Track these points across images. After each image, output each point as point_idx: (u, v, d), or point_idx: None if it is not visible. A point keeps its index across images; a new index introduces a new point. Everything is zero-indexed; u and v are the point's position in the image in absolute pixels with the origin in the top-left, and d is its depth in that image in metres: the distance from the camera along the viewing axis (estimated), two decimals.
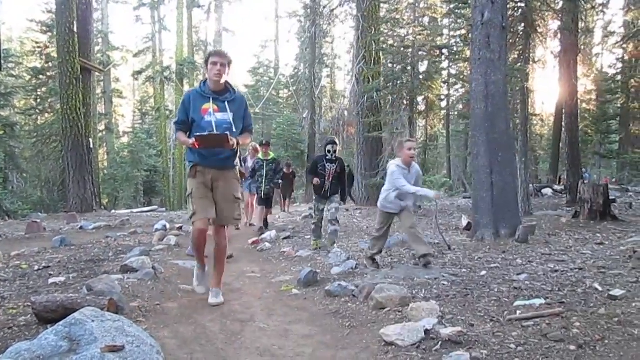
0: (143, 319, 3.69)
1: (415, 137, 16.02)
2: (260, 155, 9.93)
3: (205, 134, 4.06)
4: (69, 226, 11.40)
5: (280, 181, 10.26)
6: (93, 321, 2.74)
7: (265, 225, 10.18)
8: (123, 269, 5.29)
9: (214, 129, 4.17)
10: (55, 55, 19.31)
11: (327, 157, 7.23)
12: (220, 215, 4.30)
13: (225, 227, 4.43)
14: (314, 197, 7.52)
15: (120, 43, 37.77)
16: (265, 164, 9.80)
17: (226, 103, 4.30)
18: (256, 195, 10.25)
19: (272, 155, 10.08)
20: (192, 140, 4.08)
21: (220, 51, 4.52)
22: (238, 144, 4.26)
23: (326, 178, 7.20)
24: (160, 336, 3.35)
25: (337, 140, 7.56)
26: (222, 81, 4.32)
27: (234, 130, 4.26)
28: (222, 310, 4.15)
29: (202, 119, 4.21)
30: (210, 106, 4.25)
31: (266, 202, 10.05)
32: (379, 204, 6.00)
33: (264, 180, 9.75)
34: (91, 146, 17.79)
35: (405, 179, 5.60)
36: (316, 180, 7.16)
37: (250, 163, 10.59)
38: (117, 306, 3.59)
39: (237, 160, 4.54)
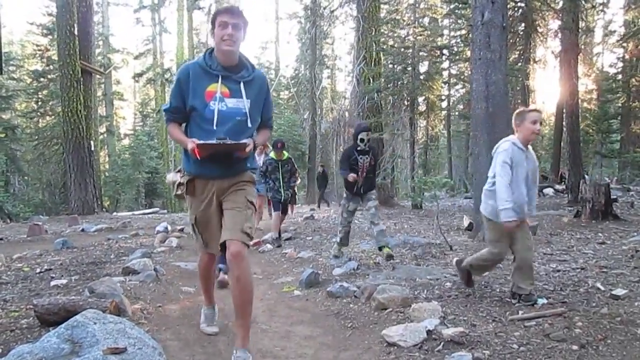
0: (145, 321, 3.69)
1: (415, 137, 16.03)
2: (272, 155, 8.60)
3: (213, 141, 2.85)
4: (71, 229, 11.42)
5: (296, 183, 9.02)
6: (95, 323, 2.74)
7: (277, 241, 8.56)
8: (125, 271, 5.30)
9: (215, 123, 2.95)
10: (56, 58, 19.39)
11: (359, 148, 6.04)
12: (226, 226, 3.02)
13: (244, 247, 2.97)
14: (345, 195, 6.32)
15: (121, 45, 37.85)
16: (280, 165, 8.50)
17: (242, 84, 3.02)
18: (270, 201, 8.75)
19: (286, 155, 8.73)
20: (191, 144, 2.86)
21: (231, 7, 3.11)
22: (255, 148, 3.13)
23: (359, 173, 6.04)
24: (162, 338, 3.35)
25: (369, 127, 6.37)
26: (236, 50, 3.02)
27: (249, 125, 3.05)
28: (224, 312, 4.15)
29: (207, 106, 2.95)
30: (218, 88, 2.97)
31: (284, 207, 8.78)
32: (485, 209, 4.11)
33: (281, 184, 8.46)
34: (92, 148, 17.82)
35: (522, 167, 3.91)
36: (352, 176, 5.95)
37: (258, 161, 9.32)
38: (119, 308, 3.59)
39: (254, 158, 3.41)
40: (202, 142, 2.85)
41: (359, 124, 6.57)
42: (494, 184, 3.93)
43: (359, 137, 6.01)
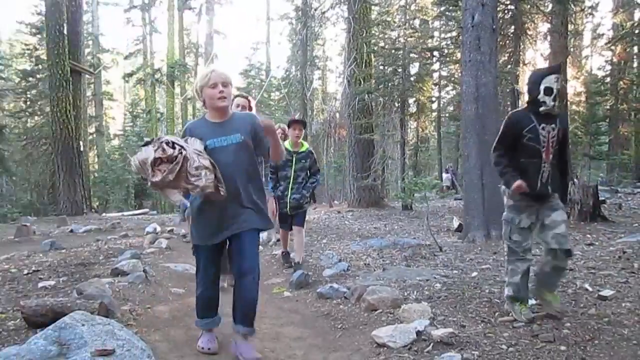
0: (134, 323, 3.67)
1: (406, 138, 16.08)
2: (287, 144, 5.91)
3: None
4: (59, 229, 11.32)
5: (314, 185, 6.15)
6: (83, 325, 2.72)
7: (286, 258, 6.56)
8: (114, 272, 5.27)
9: None
10: (45, 58, 19.20)
11: (542, 109, 3.51)
12: None
13: None
14: (511, 202, 3.65)
15: (111, 45, 37.56)
16: (294, 159, 5.89)
17: None
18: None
19: (305, 145, 6.08)
20: None
21: None
22: None
23: (543, 155, 3.52)
24: (151, 340, 3.33)
25: (560, 68, 3.86)
26: None
27: None
28: None
29: None
30: None
31: (287, 219, 6.13)
32: None
33: (290, 186, 5.88)
34: (81, 149, 17.68)
35: None
36: (518, 185, 3.45)
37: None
38: (108, 310, 3.57)
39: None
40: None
41: (540, 70, 3.99)
42: None
43: (543, 84, 3.49)
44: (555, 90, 3.45)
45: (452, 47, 15.80)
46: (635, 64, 21.64)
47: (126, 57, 35.98)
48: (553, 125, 3.52)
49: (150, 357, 2.76)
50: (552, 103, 3.47)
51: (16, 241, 9.36)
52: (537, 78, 3.55)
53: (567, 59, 14.84)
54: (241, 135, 3.13)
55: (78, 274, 5.47)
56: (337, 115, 21.17)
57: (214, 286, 3.33)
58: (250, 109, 4.36)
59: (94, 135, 32.28)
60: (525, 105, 3.71)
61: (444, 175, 23.10)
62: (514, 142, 3.57)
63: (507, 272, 3.69)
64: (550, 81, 3.46)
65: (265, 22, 38.47)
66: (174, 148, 2.82)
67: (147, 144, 2.88)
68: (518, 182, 3.43)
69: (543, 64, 14.62)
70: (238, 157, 3.11)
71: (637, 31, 16.97)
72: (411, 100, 16.97)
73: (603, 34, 24.08)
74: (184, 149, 2.85)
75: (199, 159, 2.87)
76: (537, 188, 3.51)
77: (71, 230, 10.82)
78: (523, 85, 13.96)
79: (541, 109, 3.49)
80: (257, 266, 3.18)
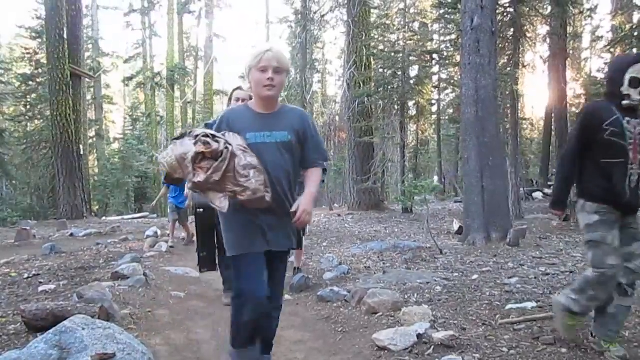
0: (134, 326, 3.66)
1: (406, 141, 16.09)
2: None
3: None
4: (59, 233, 11.32)
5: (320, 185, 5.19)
6: (83, 329, 2.72)
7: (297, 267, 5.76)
8: (114, 276, 5.26)
9: None
10: (45, 62, 19.24)
11: (625, 103, 2.91)
12: None
13: None
14: (598, 219, 2.99)
15: (111, 49, 37.61)
16: None
17: None
18: None
19: None
20: None
21: None
22: None
23: (630, 155, 2.89)
24: (152, 343, 3.33)
25: None
26: None
27: None
28: (214, 317, 4.14)
29: None
30: None
31: None
32: None
33: None
34: (81, 153, 17.71)
35: None
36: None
37: None
38: (108, 313, 3.56)
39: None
40: None
41: (626, 57, 3.46)
42: None
43: (629, 74, 2.89)
44: None
45: (452, 49, 15.83)
46: None
47: (126, 61, 36.06)
48: (639, 121, 2.91)
49: None
50: (639, 97, 2.87)
51: (16, 245, 9.36)
52: (621, 66, 2.93)
53: (567, 61, 14.87)
54: (288, 134, 2.59)
55: (78, 278, 5.47)
56: (337, 118, 21.20)
57: (263, 307, 2.59)
58: None
59: (94, 139, 32.31)
60: (603, 97, 3.08)
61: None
62: (591, 139, 2.93)
63: (585, 295, 2.98)
64: (638, 70, 2.86)
65: (265, 26, 38.43)
66: (217, 142, 2.40)
67: (181, 136, 2.48)
68: (554, 210, 3.16)
69: (542, 67, 14.65)
70: (283, 158, 2.57)
71: (636, 33, 16.99)
72: (411, 103, 16.99)
73: (602, 36, 24.05)
74: (229, 144, 2.42)
75: (245, 156, 2.43)
76: (625, 196, 2.87)
77: (71, 234, 10.82)
78: (522, 88, 13.99)
79: (624, 102, 2.88)
80: (282, 294, 2.78)
